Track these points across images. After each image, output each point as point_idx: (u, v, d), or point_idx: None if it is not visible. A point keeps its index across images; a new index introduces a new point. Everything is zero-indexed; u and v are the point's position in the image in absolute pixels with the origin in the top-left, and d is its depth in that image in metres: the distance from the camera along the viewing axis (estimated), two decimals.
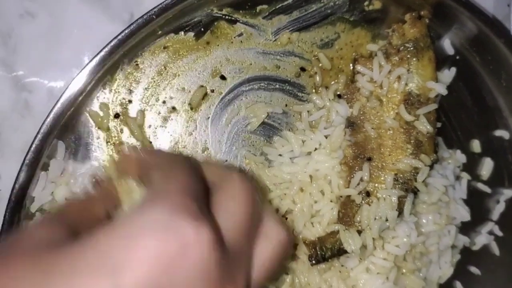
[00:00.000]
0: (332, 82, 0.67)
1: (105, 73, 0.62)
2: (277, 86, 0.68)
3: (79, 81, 0.59)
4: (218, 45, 0.66)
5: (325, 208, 0.64)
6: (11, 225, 0.58)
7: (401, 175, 0.63)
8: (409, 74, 0.64)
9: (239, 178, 0.44)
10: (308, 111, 0.67)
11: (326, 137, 0.65)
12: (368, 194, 0.63)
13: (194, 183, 0.42)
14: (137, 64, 0.64)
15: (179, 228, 0.35)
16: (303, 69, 0.68)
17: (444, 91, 0.64)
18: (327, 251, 0.63)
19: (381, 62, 0.64)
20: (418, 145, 0.64)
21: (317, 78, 0.67)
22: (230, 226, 0.41)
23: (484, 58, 0.67)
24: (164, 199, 0.37)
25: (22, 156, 0.59)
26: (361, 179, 0.63)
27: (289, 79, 0.68)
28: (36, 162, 0.59)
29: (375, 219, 0.62)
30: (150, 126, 0.65)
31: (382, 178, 0.63)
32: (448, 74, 0.68)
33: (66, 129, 0.62)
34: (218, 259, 0.36)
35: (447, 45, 0.68)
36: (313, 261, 0.63)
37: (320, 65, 0.67)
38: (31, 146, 0.58)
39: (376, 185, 0.63)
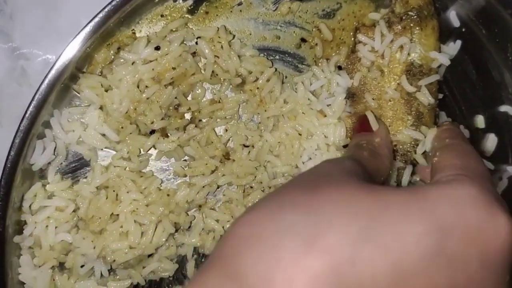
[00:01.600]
0: (333, 54, 0.66)
1: (101, 40, 0.61)
2: (277, 57, 0.67)
3: (74, 47, 0.58)
4: (217, 15, 0.65)
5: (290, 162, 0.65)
6: (7, 192, 0.58)
7: (400, 147, 0.63)
8: (412, 44, 0.62)
9: None
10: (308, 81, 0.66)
11: (328, 105, 0.65)
12: None
13: (486, 169, 0.49)
14: (134, 33, 0.63)
15: (496, 216, 0.39)
16: (303, 40, 0.67)
17: (447, 62, 0.63)
18: None
19: (383, 31, 0.63)
20: (418, 117, 0.63)
21: (318, 49, 0.66)
22: None
23: (491, 31, 0.65)
24: (476, 183, 0.42)
25: None
26: None
27: (289, 50, 0.67)
28: (30, 129, 0.59)
29: None
30: None
31: None
32: (453, 47, 0.67)
33: (62, 96, 0.62)
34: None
35: (453, 17, 0.66)
36: None
37: (322, 35, 0.66)
38: (25, 113, 0.57)
39: None
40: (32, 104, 0.58)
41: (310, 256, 0.34)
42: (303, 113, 0.64)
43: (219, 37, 0.63)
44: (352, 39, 0.66)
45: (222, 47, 0.62)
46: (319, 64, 0.66)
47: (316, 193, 0.39)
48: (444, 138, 0.58)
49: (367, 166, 0.51)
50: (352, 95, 0.64)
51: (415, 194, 0.40)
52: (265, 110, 0.64)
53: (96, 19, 0.57)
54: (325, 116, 0.64)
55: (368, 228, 0.36)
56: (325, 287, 0.33)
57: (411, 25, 0.62)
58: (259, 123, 0.66)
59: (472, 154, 0.52)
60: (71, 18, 0.65)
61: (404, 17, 0.63)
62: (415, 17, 0.62)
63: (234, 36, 0.65)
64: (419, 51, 0.62)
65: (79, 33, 0.58)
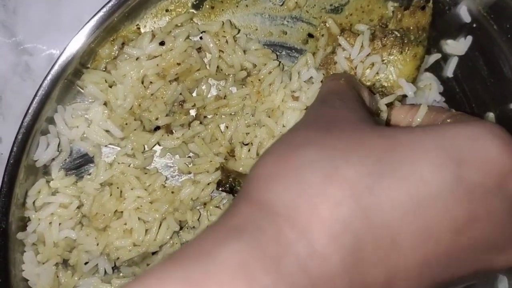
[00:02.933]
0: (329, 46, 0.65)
1: (105, 35, 0.60)
2: (284, 52, 0.66)
3: (77, 42, 0.58)
4: (222, 10, 0.64)
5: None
6: (10, 188, 0.58)
7: None
8: (383, 65, 0.61)
9: None
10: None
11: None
12: None
13: None
14: (138, 28, 0.63)
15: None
16: (310, 36, 0.66)
17: (411, 95, 0.62)
18: (237, 186, 0.63)
19: (364, 43, 0.62)
20: None
21: (322, 40, 0.65)
22: None
23: (502, 26, 0.64)
24: (490, 124, 0.42)
25: None
26: None
27: (296, 46, 0.66)
28: (34, 125, 0.58)
29: None
30: None
31: None
32: (464, 43, 0.66)
33: (66, 92, 0.61)
34: None
35: (464, 12, 0.65)
36: (221, 188, 0.63)
37: (329, 30, 0.65)
38: (28, 109, 0.57)
39: None
40: (35, 100, 0.58)
41: (331, 186, 0.35)
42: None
43: (224, 31, 0.62)
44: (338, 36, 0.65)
45: (227, 41, 0.61)
46: (316, 54, 0.65)
47: (328, 132, 0.40)
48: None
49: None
50: None
51: (431, 130, 0.41)
52: (262, 103, 0.63)
53: (100, 14, 0.56)
54: (297, 99, 0.63)
55: (384, 161, 0.37)
56: (347, 213, 0.34)
57: (392, 45, 0.61)
58: (252, 116, 0.65)
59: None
60: (75, 12, 0.65)
61: (388, 35, 0.62)
62: (398, 38, 0.61)
63: (239, 31, 0.64)
64: (389, 73, 0.61)
65: (82, 27, 0.57)
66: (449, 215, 0.37)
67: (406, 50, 0.62)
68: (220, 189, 0.64)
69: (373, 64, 0.62)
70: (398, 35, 0.61)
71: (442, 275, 0.39)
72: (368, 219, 0.35)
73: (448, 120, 0.52)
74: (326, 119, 0.44)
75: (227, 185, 0.63)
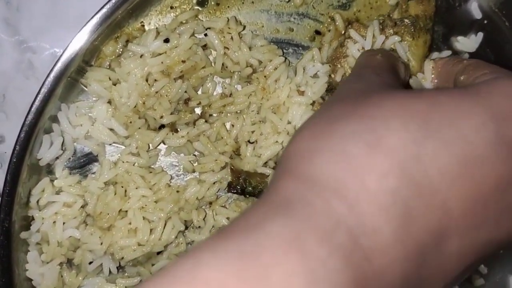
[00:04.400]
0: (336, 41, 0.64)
1: (109, 33, 0.60)
2: (290, 50, 0.65)
3: (81, 40, 0.57)
4: (228, 7, 0.64)
5: (273, 146, 0.62)
6: (13, 187, 0.57)
7: None
8: (403, 43, 0.61)
9: None
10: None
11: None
12: None
13: None
14: (142, 25, 0.62)
15: None
16: (318, 32, 0.65)
17: (429, 78, 0.61)
18: (248, 187, 0.62)
19: (375, 33, 0.61)
20: None
21: (329, 35, 0.64)
22: None
23: None
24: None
25: None
26: None
27: (303, 43, 0.65)
28: (37, 123, 0.58)
29: None
30: None
31: None
32: (475, 40, 0.65)
33: (69, 90, 0.61)
34: None
35: (475, 8, 0.64)
36: (232, 190, 0.63)
37: (336, 26, 0.64)
38: (31, 107, 0.57)
39: None
40: (38, 98, 0.57)
41: (376, 157, 0.35)
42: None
43: (229, 28, 0.61)
44: (343, 32, 0.64)
45: (232, 38, 0.61)
46: (322, 49, 0.64)
47: (366, 102, 0.39)
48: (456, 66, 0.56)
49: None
50: (331, 89, 0.63)
51: (467, 90, 0.40)
52: (267, 100, 0.63)
53: (104, 10, 0.56)
54: (303, 94, 0.62)
55: (426, 126, 0.36)
56: (395, 183, 0.34)
57: (403, 32, 0.61)
58: (258, 113, 0.64)
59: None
60: (78, 9, 0.64)
61: (398, 23, 0.61)
62: (409, 25, 0.61)
63: (244, 27, 0.63)
64: (407, 54, 0.61)
65: (85, 25, 0.56)
66: (494, 174, 0.37)
67: (417, 37, 0.61)
68: (232, 191, 0.63)
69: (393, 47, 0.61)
70: (409, 22, 0.61)
71: (492, 235, 0.38)
72: (416, 186, 0.34)
73: (486, 73, 0.50)
74: (362, 91, 0.43)
75: (238, 187, 0.63)
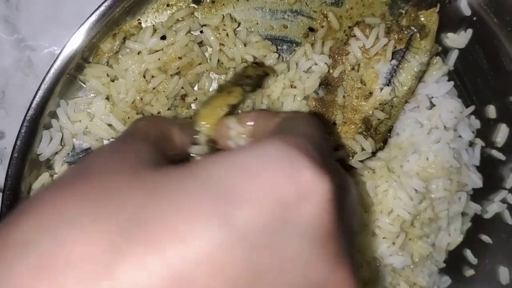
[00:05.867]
0: (330, 38, 0.66)
1: (106, 30, 0.61)
2: (285, 46, 0.66)
3: (79, 37, 0.58)
4: (223, 4, 0.65)
5: None
6: (14, 182, 0.58)
7: (342, 149, 0.64)
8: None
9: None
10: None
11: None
12: None
13: (321, 137, 0.39)
14: (140, 22, 0.63)
15: (299, 172, 0.31)
16: (311, 29, 0.66)
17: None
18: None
19: (380, 34, 0.62)
20: (371, 129, 0.64)
21: (321, 31, 0.65)
22: (347, 206, 0.40)
23: (503, 19, 0.64)
24: (285, 139, 0.33)
25: None
26: None
27: (297, 40, 0.66)
28: (37, 119, 0.59)
29: None
30: None
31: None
32: (464, 36, 0.66)
33: (68, 86, 0.62)
34: (338, 227, 0.32)
35: (464, 5, 0.65)
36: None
37: (329, 23, 0.65)
38: (31, 103, 0.57)
39: None
40: (38, 94, 0.58)
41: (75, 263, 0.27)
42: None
43: (224, 25, 0.62)
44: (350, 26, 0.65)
45: (227, 35, 0.62)
46: (314, 45, 0.65)
47: (90, 180, 0.32)
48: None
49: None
50: (326, 84, 0.64)
51: (197, 167, 0.31)
52: (262, 96, 0.64)
53: (102, 8, 0.57)
54: (294, 87, 0.63)
55: (134, 222, 0.28)
56: None
57: (408, 39, 0.63)
58: (253, 109, 0.65)
59: (301, 118, 0.43)
60: (76, 7, 0.65)
61: (404, 29, 0.62)
62: (415, 33, 0.62)
63: (239, 24, 0.65)
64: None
65: (84, 22, 0.57)
66: (223, 278, 0.28)
67: (423, 38, 0.63)
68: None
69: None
70: (415, 30, 0.62)
71: None
72: None
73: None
74: (92, 166, 0.35)
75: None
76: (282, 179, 0.30)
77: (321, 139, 0.39)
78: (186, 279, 0.27)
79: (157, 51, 0.60)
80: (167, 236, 0.28)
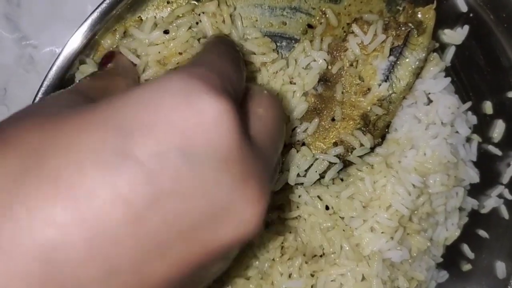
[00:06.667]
0: (329, 34, 0.66)
1: (107, 26, 0.61)
2: (284, 43, 0.67)
3: (81, 34, 0.58)
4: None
5: None
6: None
7: (341, 145, 0.65)
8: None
9: (269, 92, 0.44)
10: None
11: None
12: (303, 144, 0.64)
13: (230, 69, 0.39)
14: (140, 19, 0.63)
15: (196, 100, 0.31)
16: (310, 26, 0.66)
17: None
18: None
19: (377, 31, 0.63)
20: (369, 124, 0.64)
21: (319, 28, 0.66)
22: (259, 129, 0.39)
23: (499, 15, 0.65)
24: (189, 70, 0.34)
25: None
26: (305, 130, 0.64)
27: (295, 36, 0.67)
28: None
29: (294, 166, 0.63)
30: None
31: (324, 139, 0.64)
32: (461, 32, 0.66)
33: (69, 83, 0.62)
34: (240, 147, 0.32)
35: (460, 2, 0.65)
36: None
37: (327, 20, 0.66)
38: (33, 100, 0.58)
39: (316, 142, 0.64)
40: (41, 91, 0.58)
41: None
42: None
43: (220, 10, 0.62)
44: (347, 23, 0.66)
45: (224, 21, 0.62)
46: (313, 42, 0.66)
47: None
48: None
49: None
50: (325, 80, 0.65)
51: (103, 103, 0.32)
52: None
53: (103, 5, 0.57)
54: (294, 83, 0.64)
55: (32, 161, 0.29)
56: None
57: (406, 35, 0.63)
58: None
59: (216, 47, 0.44)
60: (78, 4, 0.66)
61: (402, 26, 0.63)
62: (413, 29, 0.63)
63: (235, 8, 0.65)
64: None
65: (86, 20, 0.58)
66: (121, 202, 0.29)
67: (421, 34, 0.63)
68: None
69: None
70: (413, 27, 0.63)
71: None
72: None
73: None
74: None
75: None
76: (179, 108, 0.31)
77: (233, 70, 0.39)
78: (86, 215, 0.28)
79: (157, 44, 0.61)
80: (66, 172, 0.29)
